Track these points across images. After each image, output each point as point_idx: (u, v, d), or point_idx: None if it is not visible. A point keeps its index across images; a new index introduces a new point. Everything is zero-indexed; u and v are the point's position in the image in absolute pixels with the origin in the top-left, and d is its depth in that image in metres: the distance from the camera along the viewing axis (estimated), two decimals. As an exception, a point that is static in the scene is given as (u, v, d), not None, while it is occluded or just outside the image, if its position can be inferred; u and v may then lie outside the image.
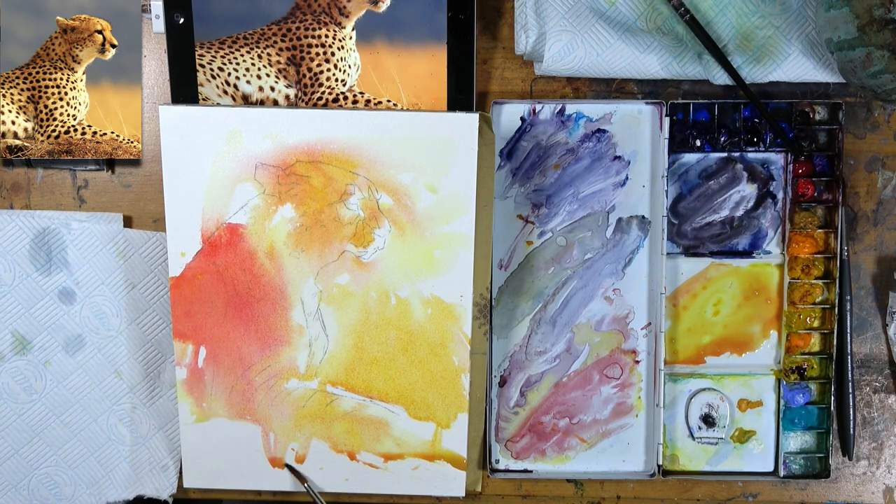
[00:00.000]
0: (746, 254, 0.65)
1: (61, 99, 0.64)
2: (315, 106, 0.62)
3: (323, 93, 0.62)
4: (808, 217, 0.64)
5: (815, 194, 0.64)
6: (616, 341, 0.66)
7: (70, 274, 0.65)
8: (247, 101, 0.62)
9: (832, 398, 0.65)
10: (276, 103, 0.63)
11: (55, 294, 0.65)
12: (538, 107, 0.64)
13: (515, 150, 0.64)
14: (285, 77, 0.62)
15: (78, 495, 0.67)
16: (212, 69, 0.62)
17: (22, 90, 0.63)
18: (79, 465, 0.67)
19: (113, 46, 0.64)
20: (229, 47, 0.62)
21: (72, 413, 0.66)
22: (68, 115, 0.64)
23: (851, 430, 0.66)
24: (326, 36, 0.62)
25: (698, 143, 0.64)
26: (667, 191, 0.64)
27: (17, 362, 0.65)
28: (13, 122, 0.64)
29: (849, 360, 0.66)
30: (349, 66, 0.62)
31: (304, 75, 0.62)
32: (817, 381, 0.66)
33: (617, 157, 0.64)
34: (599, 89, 0.65)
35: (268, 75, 0.62)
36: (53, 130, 0.64)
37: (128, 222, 0.66)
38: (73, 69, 0.64)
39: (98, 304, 0.65)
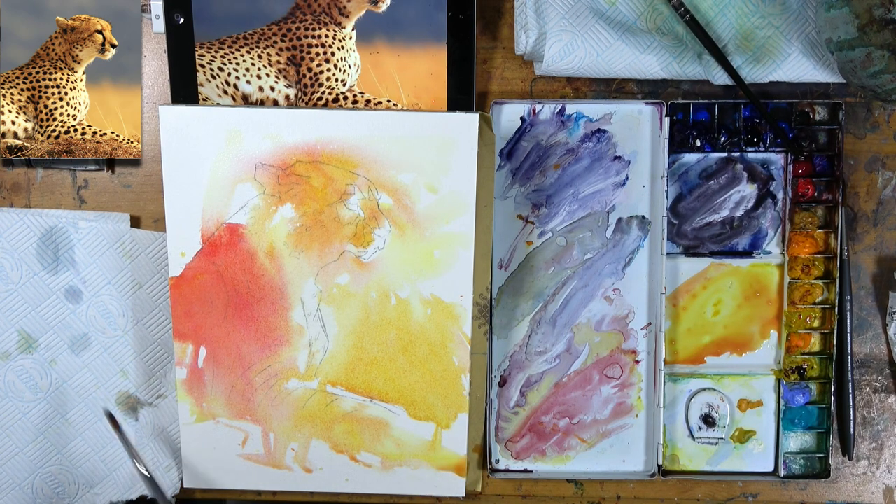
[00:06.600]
0: (746, 254, 0.65)
1: (61, 99, 0.64)
2: (315, 106, 0.62)
3: (323, 93, 0.62)
4: (808, 217, 0.64)
5: (815, 194, 0.64)
6: (616, 341, 0.66)
7: (77, 273, 0.65)
8: (247, 101, 0.62)
9: (832, 398, 0.65)
10: (276, 103, 0.63)
11: (62, 293, 0.65)
12: (538, 107, 0.64)
13: (515, 150, 0.64)
14: (285, 77, 0.62)
15: (81, 494, 0.67)
16: (212, 69, 0.62)
17: (22, 90, 0.63)
18: (83, 465, 0.67)
19: (113, 46, 0.64)
20: (229, 47, 0.62)
21: (77, 412, 0.66)
22: (68, 115, 0.64)
23: (851, 430, 0.66)
24: (326, 36, 0.62)
25: (698, 143, 0.64)
26: (667, 191, 0.64)
27: (22, 361, 0.66)
28: (13, 122, 0.64)
29: (849, 360, 0.65)
30: (349, 66, 0.62)
31: (304, 75, 0.62)
32: (817, 381, 0.65)
33: (617, 157, 0.64)
34: (599, 89, 0.65)
35: (268, 75, 0.62)
36: (53, 130, 0.64)
37: (133, 222, 0.66)
38: (73, 69, 0.64)
39: (104, 303, 0.65)
